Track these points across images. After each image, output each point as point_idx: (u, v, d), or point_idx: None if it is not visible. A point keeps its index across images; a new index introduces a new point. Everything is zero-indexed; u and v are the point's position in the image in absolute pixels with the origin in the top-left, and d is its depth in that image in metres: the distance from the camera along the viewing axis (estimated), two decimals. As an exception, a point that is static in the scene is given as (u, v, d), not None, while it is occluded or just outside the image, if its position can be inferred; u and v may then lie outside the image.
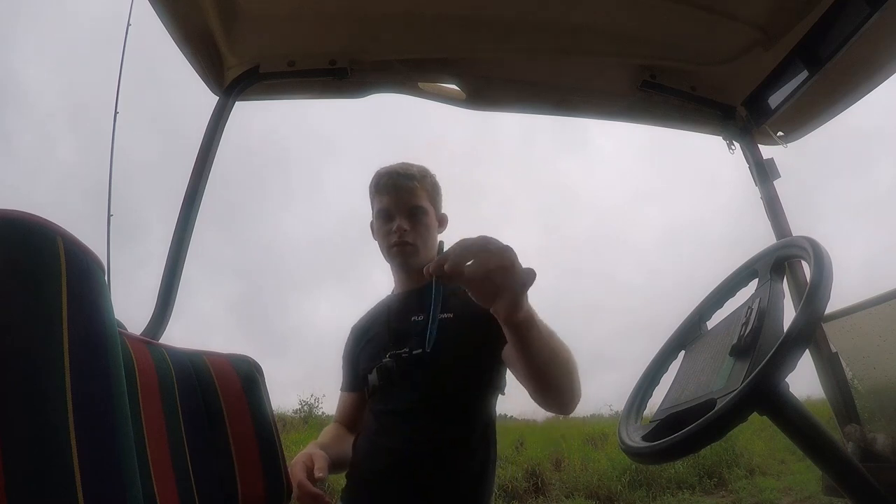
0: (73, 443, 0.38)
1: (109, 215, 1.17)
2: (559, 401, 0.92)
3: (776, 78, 1.28)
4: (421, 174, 1.25)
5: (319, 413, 9.03)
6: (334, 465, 1.15)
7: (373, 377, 1.16)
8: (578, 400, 0.93)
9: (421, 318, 1.16)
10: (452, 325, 1.12)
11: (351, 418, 1.29)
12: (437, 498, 1.05)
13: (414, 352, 1.13)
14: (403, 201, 1.21)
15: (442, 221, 1.29)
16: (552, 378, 0.87)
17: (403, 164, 1.27)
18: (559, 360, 0.85)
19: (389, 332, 1.19)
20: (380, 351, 1.18)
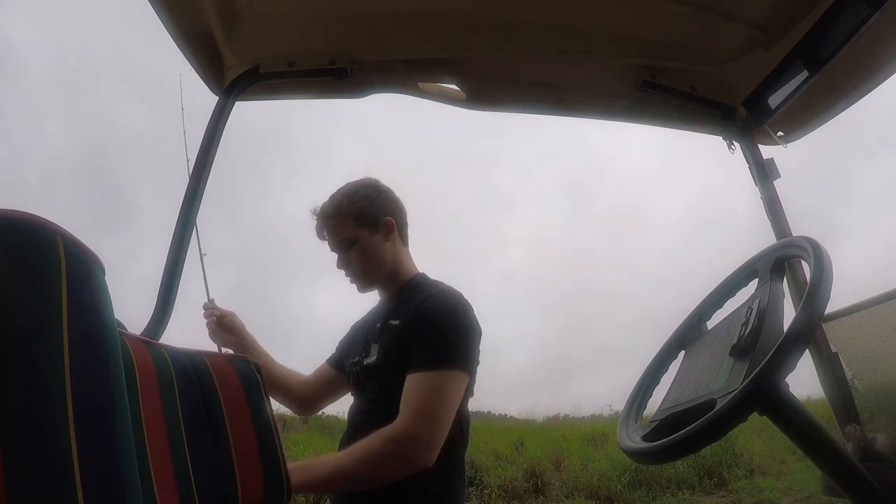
0: (73, 443, 0.38)
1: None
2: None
3: (776, 78, 1.28)
4: (335, 206, 1.24)
5: (319, 413, 9.02)
6: (268, 372, 1.28)
7: (351, 381, 1.25)
8: (419, 460, 1.00)
9: (379, 324, 1.21)
10: (399, 332, 1.14)
11: (311, 379, 1.41)
12: None
13: (365, 361, 1.19)
14: (331, 242, 1.26)
15: (386, 229, 1.24)
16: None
17: (325, 201, 1.27)
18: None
19: (364, 338, 1.26)
20: (353, 355, 1.26)
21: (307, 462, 1.07)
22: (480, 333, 1.16)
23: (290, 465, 1.01)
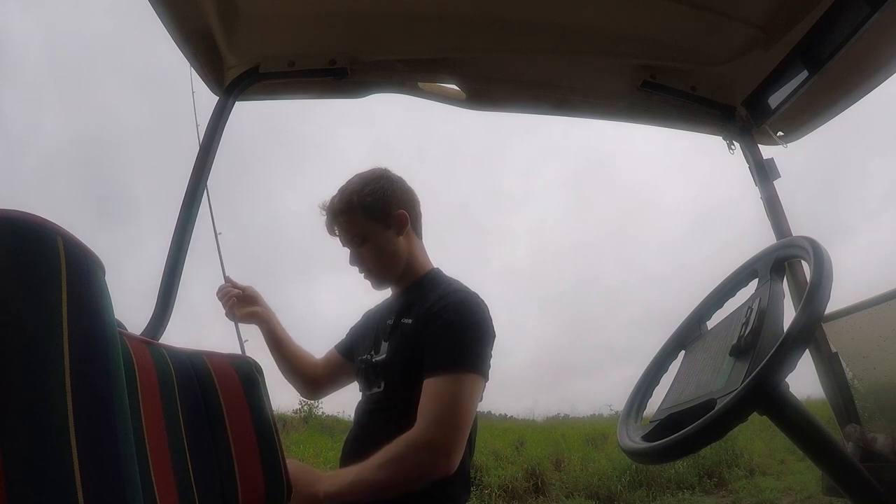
0: (73, 443, 0.38)
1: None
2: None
3: (776, 78, 1.28)
4: (345, 202, 1.19)
5: (319, 413, 9.02)
6: (283, 345, 1.36)
7: (358, 377, 1.24)
8: (441, 467, 0.99)
9: (391, 321, 1.19)
10: (410, 331, 1.12)
11: (320, 362, 1.41)
12: None
13: (374, 358, 1.17)
14: (343, 238, 1.23)
15: (399, 223, 1.21)
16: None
17: (335, 195, 1.23)
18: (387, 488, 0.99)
19: (374, 333, 1.25)
20: (362, 351, 1.25)
21: (335, 471, 1.07)
22: (494, 336, 1.13)
23: (317, 474, 1.03)
